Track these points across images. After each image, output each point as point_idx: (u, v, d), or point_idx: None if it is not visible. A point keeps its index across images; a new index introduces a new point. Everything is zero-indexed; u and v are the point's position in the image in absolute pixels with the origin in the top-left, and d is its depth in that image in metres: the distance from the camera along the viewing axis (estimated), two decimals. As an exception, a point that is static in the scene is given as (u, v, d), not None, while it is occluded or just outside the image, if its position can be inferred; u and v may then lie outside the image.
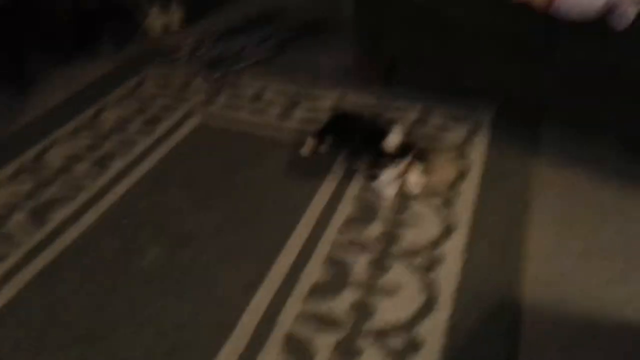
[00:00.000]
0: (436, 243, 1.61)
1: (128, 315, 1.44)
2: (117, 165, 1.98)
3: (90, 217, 1.75)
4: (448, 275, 1.50)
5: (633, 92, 1.71)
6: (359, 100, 2.28)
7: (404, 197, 1.78)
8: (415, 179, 1.80)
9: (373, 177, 1.79)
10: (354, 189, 1.83)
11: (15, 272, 1.57)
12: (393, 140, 1.75)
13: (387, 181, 1.78)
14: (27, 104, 2.38)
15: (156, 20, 2.98)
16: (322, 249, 1.61)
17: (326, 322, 1.40)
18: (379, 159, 1.75)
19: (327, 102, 2.30)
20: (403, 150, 1.75)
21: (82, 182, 1.90)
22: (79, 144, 2.10)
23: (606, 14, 1.60)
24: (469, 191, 1.79)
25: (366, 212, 1.73)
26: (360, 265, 1.55)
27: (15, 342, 1.39)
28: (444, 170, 1.87)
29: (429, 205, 1.74)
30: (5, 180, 1.92)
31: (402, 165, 1.75)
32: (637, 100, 1.71)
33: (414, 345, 1.33)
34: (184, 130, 2.17)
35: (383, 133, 1.78)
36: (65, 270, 1.58)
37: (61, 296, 1.50)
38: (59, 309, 1.47)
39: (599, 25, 1.64)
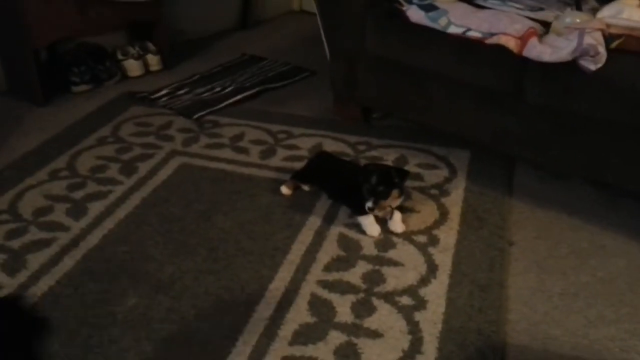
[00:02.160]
0: (418, 285, 1.62)
1: (108, 363, 1.40)
2: (95, 210, 1.95)
3: (66, 264, 1.71)
4: (432, 318, 1.51)
5: (602, 138, 1.78)
6: (337, 143, 2.32)
7: (386, 237, 1.80)
8: (398, 218, 1.82)
9: (358, 214, 1.81)
10: (337, 228, 1.84)
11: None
12: (374, 180, 1.77)
13: (370, 221, 1.80)
14: (2, 147, 2.35)
15: (134, 62, 2.99)
16: (306, 291, 1.60)
17: (312, 367, 1.39)
18: (363, 199, 1.76)
19: (307, 143, 2.33)
20: (385, 189, 1.77)
21: (60, 226, 1.87)
22: (57, 187, 2.07)
23: (578, 56, 1.67)
24: (449, 233, 1.81)
25: (350, 252, 1.74)
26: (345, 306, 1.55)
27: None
28: (425, 211, 1.90)
29: (410, 246, 1.76)
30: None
31: (384, 203, 1.78)
32: (605, 146, 1.78)
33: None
34: (164, 172, 2.16)
35: (365, 174, 1.80)
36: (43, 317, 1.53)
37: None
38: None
39: (568, 69, 1.71)
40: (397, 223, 1.82)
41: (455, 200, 1.97)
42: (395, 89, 2.26)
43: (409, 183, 1.99)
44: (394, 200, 1.80)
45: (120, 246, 1.79)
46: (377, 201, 1.75)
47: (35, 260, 1.72)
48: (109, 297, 1.59)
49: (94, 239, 1.81)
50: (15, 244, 1.79)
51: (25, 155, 2.28)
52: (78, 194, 2.03)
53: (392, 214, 1.82)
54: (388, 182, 1.77)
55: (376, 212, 1.78)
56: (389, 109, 2.42)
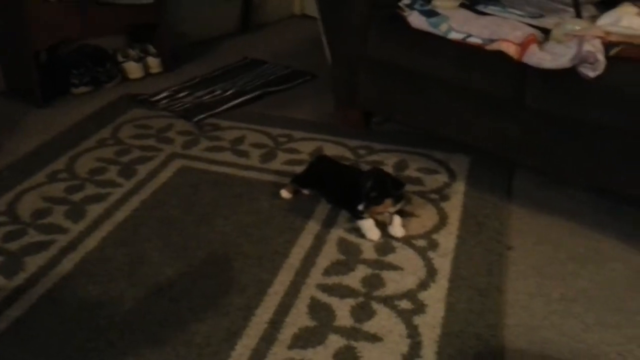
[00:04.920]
0: (417, 289, 1.62)
1: (106, 365, 1.40)
2: (94, 212, 1.95)
3: (65, 266, 1.71)
4: (431, 322, 1.51)
5: (602, 144, 1.78)
6: (338, 147, 2.32)
7: (386, 242, 1.80)
8: (398, 222, 1.82)
9: (358, 218, 1.82)
10: (337, 231, 1.85)
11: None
12: (369, 185, 1.77)
13: (370, 225, 1.80)
14: (1, 148, 2.35)
15: (135, 64, 3.00)
16: (305, 295, 1.60)
17: (311, 370, 1.39)
18: (363, 203, 1.77)
19: (308, 146, 2.33)
20: (379, 195, 1.77)
21: (58, 228, 1.86)
22: (55, 190, 2.07)
23: (578, 63, 1.68)
24: (449, 237, 1.82)
25: (350, 256, 1.74)
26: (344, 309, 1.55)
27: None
28: (424, 216, 1.90)
29: (410, 250, 1.76)
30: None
31: (376, 209, 1.78)
32: (606, 152, 1.78)
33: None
34: (164, 174, 2.16)
35: (363, 178, 1.80)
36: (40, 319, 1.53)
37: (36, 345, 1.45)
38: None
39: (568, 76, 1.72)
40: (397, 227, 1.82)
41: (454, 204, 1.97)
42: (396, 93, 2.26)
43: (409, 188, 1.99)
44: (387, 208, 1.80)
45: (118, 249, 1.78)
46: (369, 206, 1.76)
47: (33, 263, 1.71)
48: (107, 300, 1.59)
49: (92, 241, 1.81)
50: (13, 246, 1.79)
51: (24, 157, 2.28)
52: (77, 196, 2.03)
53: (392, 218, 1.83)
54: (383, 189, 1.77)
55: (366, 216, 1.79)
56: (389, 113, 2.43)
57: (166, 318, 1.53)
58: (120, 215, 1.93)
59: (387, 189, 1.78)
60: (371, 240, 1.80)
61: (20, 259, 1.73)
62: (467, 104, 2.06)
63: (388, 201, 1.79)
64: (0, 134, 2.45)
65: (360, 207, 1.76)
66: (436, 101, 2.14)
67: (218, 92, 2.84)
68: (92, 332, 1.49)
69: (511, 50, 1.82)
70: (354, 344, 1.45)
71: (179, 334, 1.48)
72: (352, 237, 1.82)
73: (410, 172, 2.15)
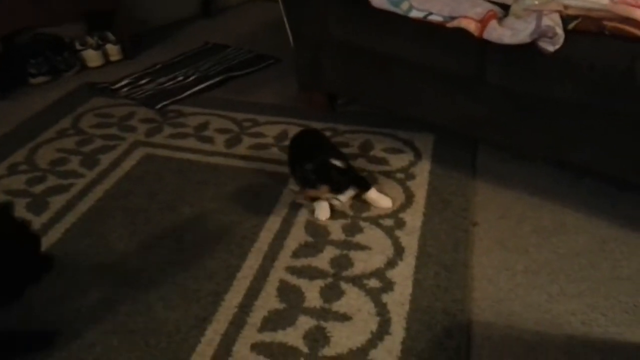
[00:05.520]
0: (385, 267, 1.63)
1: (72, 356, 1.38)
2: (56, 204, 1.91)
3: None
4: (400, 299, 1.52)
5: (563, 118, 1.81)
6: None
7: (353, 222, 1.80)
8: (375, 195, 1.85)
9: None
10: (304, 214, 1.84)
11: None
12: (309, 167, 1.74)
13: (322, 205, 1.82)
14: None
15: (94, 52, 2.93)
16: (274, 278, 1.60)
17: (281, 352, 1.39)
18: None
19: (273, 130, 2.32)
20: (316, 179, 1.74)
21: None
22: (17, 182, 2.02)
23: (537, 38, 1.69)
24: (415, 215, 1.83)
25: (318, 237, 1.74)
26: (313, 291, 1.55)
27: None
28: (391, 195, 1.91)
29: (377, 230, 1.77)
30: None
31: (309, 192, 1.77)
32: (566, 126, 1.81)
33: (370, 371, 1.34)
34: (127, 163, 2.12)
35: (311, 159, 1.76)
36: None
37: None
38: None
39: (528, 52, 1.74)
40: (378, 200, 1.85)
41: (420, 183, 1.99)
42: (360, 74, 2.26)
43: (375, 167, 1.99)
44: (324, 194, 1.78)
45: (83, 240, 1.75)
46: (304, 187, 1.77)
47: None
48: (72, 293, 1.57)
49: (56, 233, 1.78)
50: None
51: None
52: (38, 188, 1.99)
53: (370, 198, 1.85)
54: (323, 174, 1.74)
55: (298, 198, 1.80)
56: (354, 95, 2.43)
57: (134, 307, 1.51)
58: (83, 206, 1.90)
59: (328, 175, 1.74)
60: (318, 220, 1.81)
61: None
62: (430, 83, 2.06)
63: (324, 187, 1.75)
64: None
65: (292, 187, 1.74)
66: (400, 81, 2.15)
67: (180, 78, 2.80)
68: (59, 325, 1.46)
69: (471, 27, 1.82)
70: (323, 324, 1.45)
71: (148, 323, 1.47)
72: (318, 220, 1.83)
73: (376, 152, 2.16)
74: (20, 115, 2.47)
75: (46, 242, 1.73)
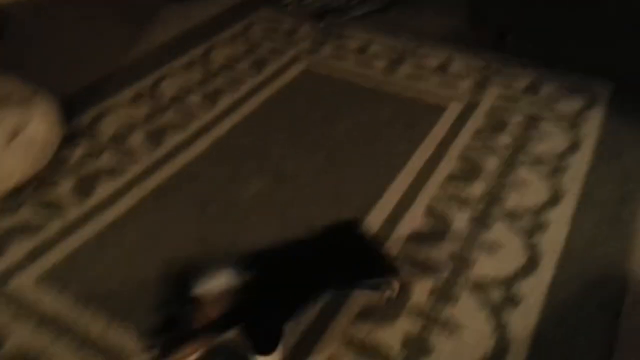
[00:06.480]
0: (542, 208, 1.57)
1: (228, 244, 1.50)
2: (225, 101, 2.04)
3: (199, 146, 1.83)
4: (553, 241, 1.47)
5: None
6: (466, 61, 2.24)
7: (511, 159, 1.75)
8: None
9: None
10: (461, 140, 1.81)
11: (132, 185, 1.68)
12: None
13: None
14: (143, 37, 2.48)
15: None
16: (422, 200, 1.61)
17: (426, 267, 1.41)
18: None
19: (433, 61, 2.27)
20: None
21: (193, 113, 1.98)
22: (191, 78, 2.18)
23: None
24: (580, 162, 1.73)
25: (470, 170, 1.72)
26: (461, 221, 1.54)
27: (113, 258, 1.48)
28: (557, 138, 1.81)
29: (537, 169, 1.70)
30: (126, 103, 2.04)
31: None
32: None
33: (512, 300, 1.33)
34: (289, 74, 2.20)
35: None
36: (174, 193, 1.66)
37: (166, 217, 1.59)
38: (160, 230, 1.55)
39: None
40: None
41: (590, 130, 1.85)
42: (533, 11, 2.10)
43: (540, 109, 1.89)
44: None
45: (245, 138, 1.87)
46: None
47: (172, 140, 1.85)
48: (235, 181, 1.69)
49: (222, 129, 1.91)
50: (154, 124, 1.93)
51: (166, 44, 2.41)
52: (211, 85, 2.13)
53: None
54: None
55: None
56: (525, 31, 2.27)
57: (289, 205, 1.61)
58: (249, 106, 2.01)
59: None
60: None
61: (161, 136, 1.87)
62: (616, 26, 1.88)
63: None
64: (143, 25, 2.58)
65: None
66: (580, 17, 1.98)
67: (346, -2, 2.79)
68: (218, 212, 1.60)
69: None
70: (467, 252, 1.45)
71: (299, 221, 1.54)
72: (474, 151, 1.79)
73: (544, 93, 2.04)
74: (197, 19, 2.62)
75: (214, 135, 1.88)
